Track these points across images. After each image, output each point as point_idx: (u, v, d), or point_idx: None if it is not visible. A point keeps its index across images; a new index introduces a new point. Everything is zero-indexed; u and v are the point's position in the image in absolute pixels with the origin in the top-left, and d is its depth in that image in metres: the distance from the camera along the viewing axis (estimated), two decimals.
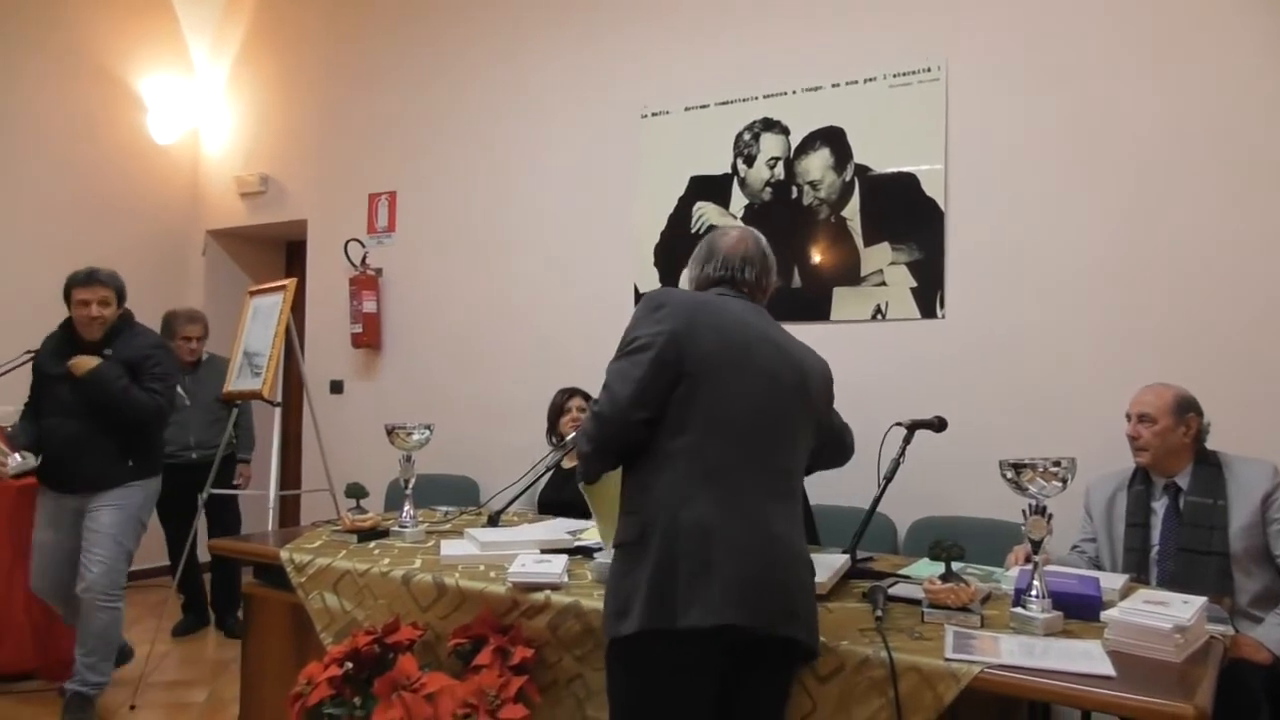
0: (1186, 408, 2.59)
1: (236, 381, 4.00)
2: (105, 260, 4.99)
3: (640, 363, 1.73)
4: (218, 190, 5.77)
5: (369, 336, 4.94)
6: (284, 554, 2.50)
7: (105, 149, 5.35)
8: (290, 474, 5.15)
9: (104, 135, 5.35)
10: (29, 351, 3.67)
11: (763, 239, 2.02)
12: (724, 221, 3.93)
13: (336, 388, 5.14)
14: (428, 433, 2.83)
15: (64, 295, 3.27)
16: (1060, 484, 1.90)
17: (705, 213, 3.99)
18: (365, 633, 2.19)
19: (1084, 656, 1.67)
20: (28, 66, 5.00)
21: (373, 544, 2.64)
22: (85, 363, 3.21)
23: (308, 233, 5.36)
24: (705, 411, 1.72)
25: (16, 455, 3.14)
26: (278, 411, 3.97)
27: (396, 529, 2.75)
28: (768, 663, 1.75)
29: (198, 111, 5.82)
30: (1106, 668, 1.61)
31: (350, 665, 2.14)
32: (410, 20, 4.99)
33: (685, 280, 2.02)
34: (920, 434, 2.65)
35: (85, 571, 3.21)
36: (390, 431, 2.80)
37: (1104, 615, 1.81)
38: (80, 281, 3.27)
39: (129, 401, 3.22)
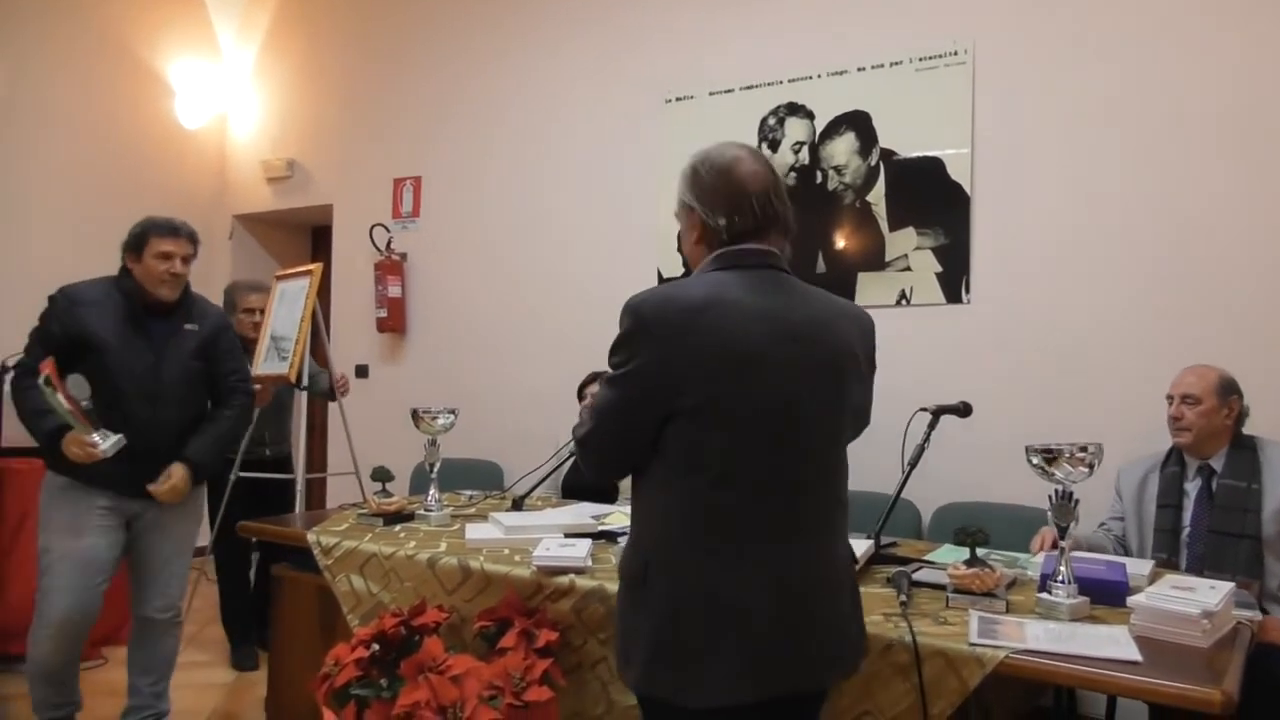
0: (1230, 390, 2.57)
1: (263, 365, 4.04)
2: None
3: (619, 397, 1.47)
4: (244, 175, 5.82)
5: (394, 321, 4.97)
6: (311, 537, 2.53)
7: (132, 133, 5.39)
8: (316, 458, 5.21)
9: (131, 120, 5.39)
10: None
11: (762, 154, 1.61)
12: None
13: (362, 372, 5.18)
14: (452, 417, 2.85)
15: (131, 244, 2.75)
16: (1087, 469, 1.88)
17: None
18: (392, 615, 2.21)
19: (1110, 642, 1.66)
20: (55, 51, 5.03)
21: (398, 527, 2.67)
22: (177, 486, 2.69)
23: (333, 218, 5.39)
24: (710, 449, 1.42)
25: (97, 435, 2.56)
26: (304, 395, 4.01)
27: (422, 512, 2.77)
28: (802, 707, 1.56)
29: (225, 96, 5.85)
30: (1133, 653, 1.60)
31: (377, 647, 2.17)
32: (435, 6, 4.98)
33: (689, 238, 1.59)
34: (945, 419, 2.63)
35: (165, 590, 2.81)
36: (415, 416, 2.82)
37: (1130, 601, 1.80)
38: (164, 230, 2.73)
39: (236, 435, 2.94)
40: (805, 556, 1.48)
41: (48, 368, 2.47)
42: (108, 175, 5.27)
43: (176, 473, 2.70)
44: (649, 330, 1.43)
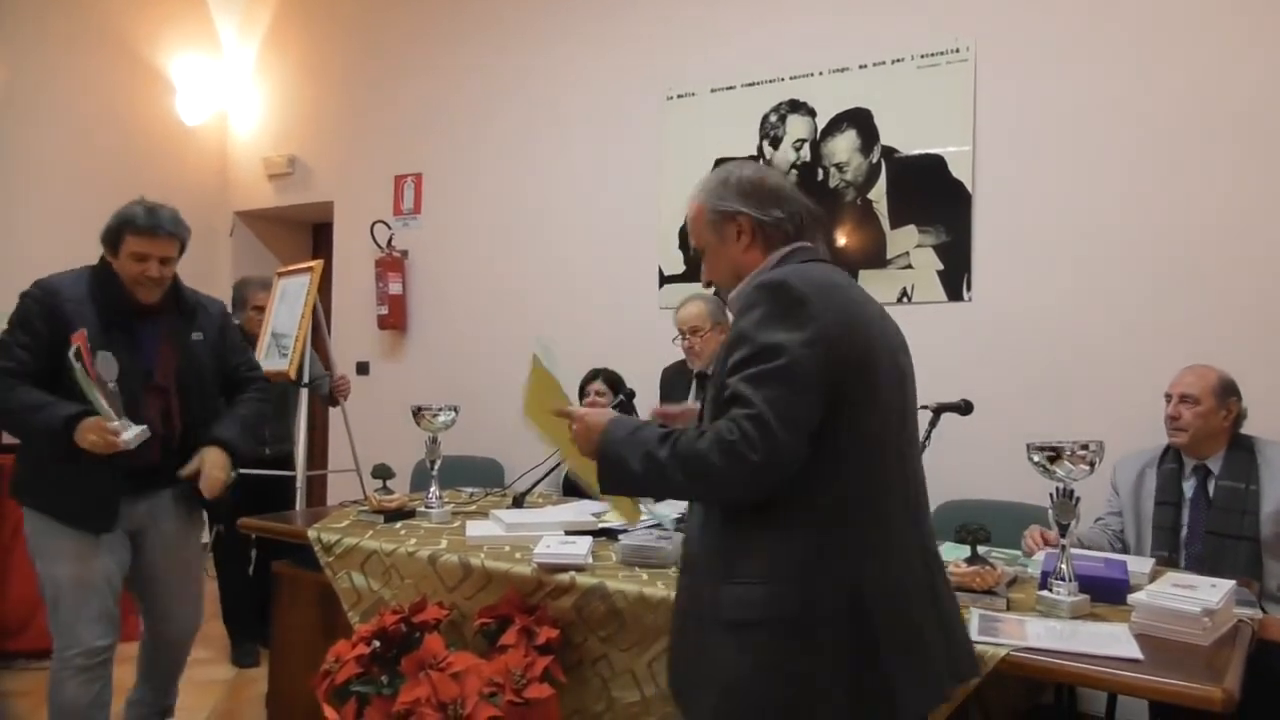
0: (1229, 391, 2.57)
1: (264, 363, 4.03)
2: None
3: (799, 389, 1.34)
4: (245, 171, 5.81)
5: (395, 318, 4.97)
6: (312, 534, 2.53)
7: (133, 130, 5.39)
8: (317, 454, 5.21)
9: (132, 116, 5.38)
10: None
11: None
12: None
13: (362, 369, 5.18)
14: (453, 414, 2.85)
15: (106, 238, 2.44)
16: (1088, 467, 1.88)
17: None
18: (392, 612, 2.21)
19: (1111, 640, 1.66)
20: (56, 47, 5.03)
21: (399, 524, 2.67)
22: (216, 477, 2.43)
23: (334, 215, 5.39)
24: (865, 440, 1.40)
25: (119, 424, 2.26)
26: (304, 392, 4.01)
27: (423, 509, 2.77)
28: None
29: (226, 92, 5.85)
30: (1134, 651, 1.60)
31: (377, 644, 2.17)
32: (437, 3, 4.98)
33: (734, 247, 1.55)
34: (946, 417, 2.63)
35: (179, 611, 2.57)
36: (416, 413, 2.82)
37: (1131, 598, 1.80)
38: (140, 227, 2.37)
39: (260, 421, 2.64)
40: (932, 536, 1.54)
41: (79, 339, 2.18)
42: (108, 172, 5.25)
43: (209, 457, 2.41)
44: (814, 297, 1.38)
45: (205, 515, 2.77)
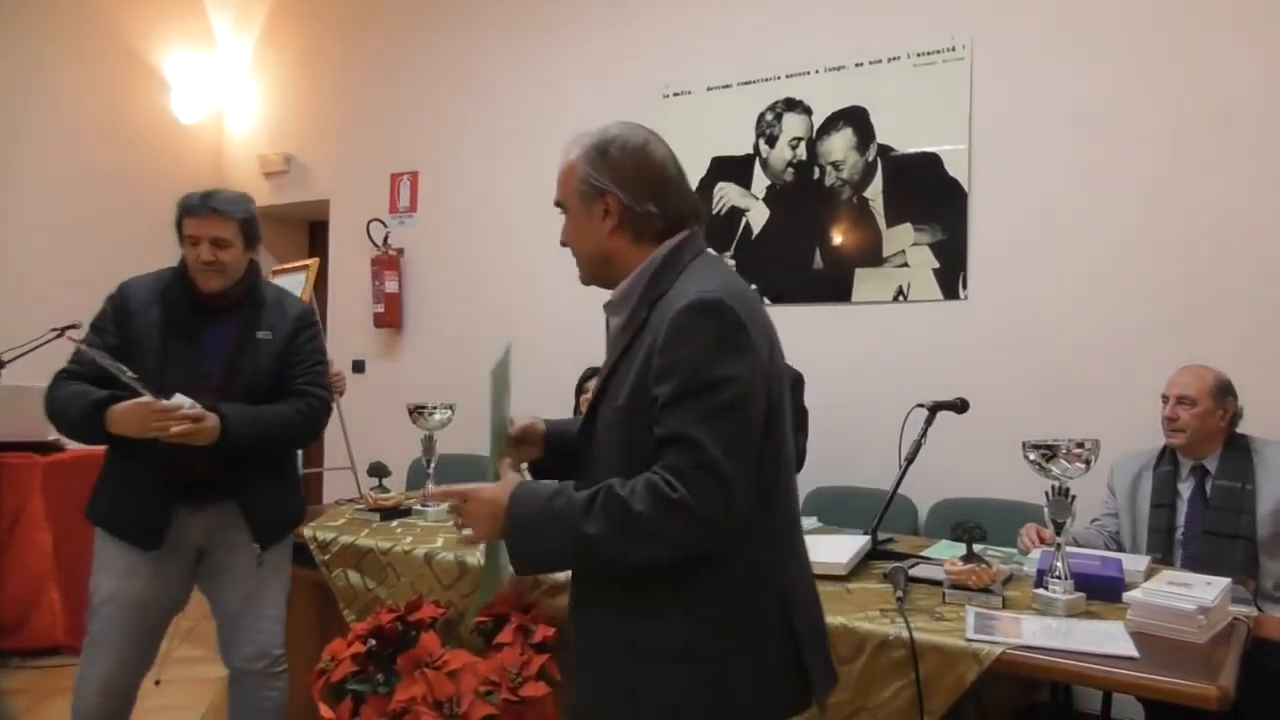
0: (1225, 391, 2.57)
1: None
2: (128, 240, 5.10)
3: (750, 425, 1.28)
4: (241, 170, 5.80)
5: (391, 316, 4.96)
6: (308, 532, 2.53)
7: (128, 128, 5.36)
8: (313, 452, 5.20)
9: (127, 114, 5.36)
10: (54, 329, 3.72)
11: None
12: (745, 202, 3.92)
13: (358, 367, 5.17)
14: (449, 413, 2.85)
15: (176, 227, 2.25)
16: (1084, 465, 1.88)
17: (726, 194, 3.96)
18: (388, 610, 2.21)
19: (1106, 637, 1.66)
20: (49, 43, 5.00)
21: (395, 523, 2.66)
22: (198, 432, 2.07)
23: (330, 213, 5.38)
24: (781, 456, 1.37)
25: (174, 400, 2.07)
26: None
27: (419, 508, 2.77)
28: None
29: (221, 90, 5.83)
30: (1129, 649, 1.60)
31: (373, 642, 2.16)
32: (433, 2, 4.97)
33: (600, 227, 1.42)
34: (942, 415, 2.63)
35: (252, 634, 2.29)
36: (412, 411, 2.81)
37: (1126, 596, 1.80)
38: (190, 207, 2.20)
39: (285, 434, 2.29)
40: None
41: (74, 337, 2.15)
42: (103, 170, 5.24)
43: (198, 424, 2.06)
44: (748, 327, 1.29)
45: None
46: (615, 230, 1.41)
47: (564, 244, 1.48)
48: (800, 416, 3.14)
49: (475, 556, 2.24)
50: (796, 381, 3.15)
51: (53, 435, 3.96)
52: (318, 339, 2.43)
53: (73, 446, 4.01)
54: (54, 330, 3.71)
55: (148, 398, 2.04)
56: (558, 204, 1.48)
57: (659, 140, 1.45)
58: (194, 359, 2.18)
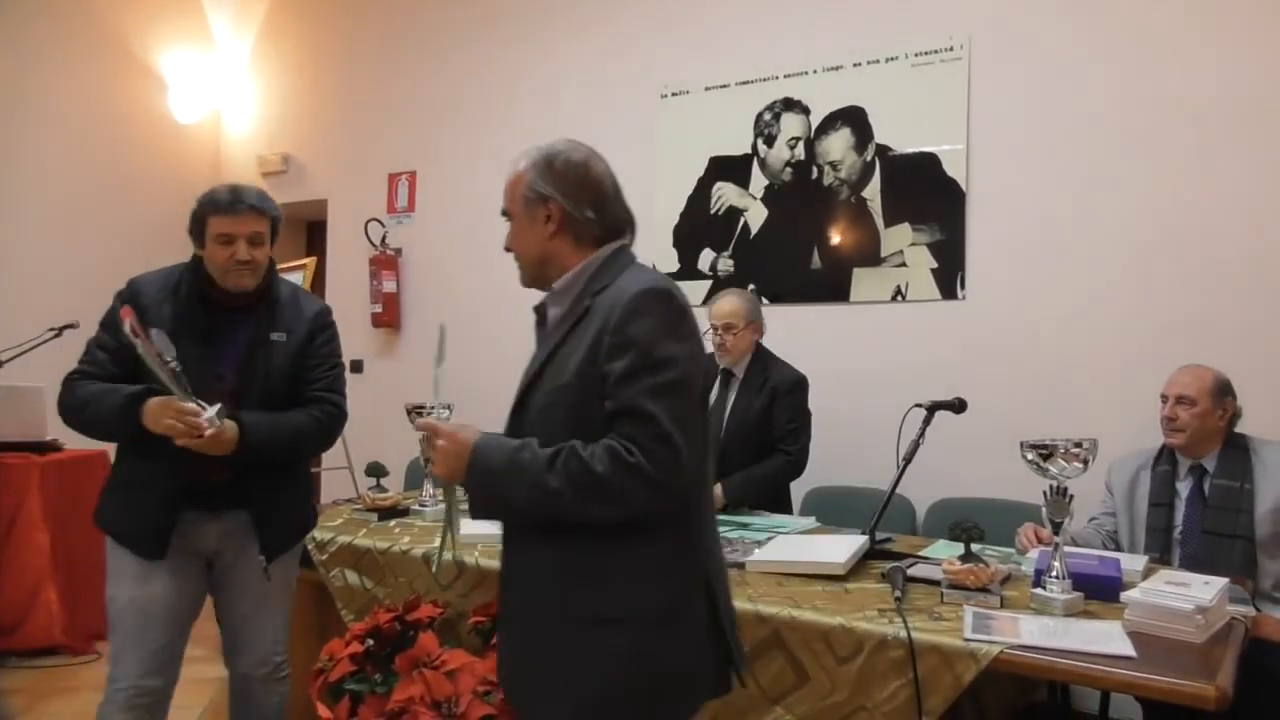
0: (1225, 390, 2.56)
1: None
2: (126, 240, 5.10)
3: (694, 402, 1.43)
4: (240, 169, 5.78)
5: (389, 316, 4.96)
6: None
7: (126, 128, 5.35)
8: None
9: (124, 113, 5.34)
10: (52, 329, 3.72)
11: None
12: (743, 202, 3.92)
13: (356, 367, 5.16)
14: (447, 413, 2.84)
15: (192, 229, 2.15)
16: (1081, 465, 1.89)
17: (725, 193, 3.96)
18: (386, 610, 2.21)
19: (1104, 637, 1.66)
20: (46, 42, 4.97)
21: (393, 522, 2.66)
22: (216, 444, 1.99)
23: (328, 212, 5.37)
24: (706, 441, 1.49)
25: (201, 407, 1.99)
26: None
27: (417, 508, 2.77)
28: None
29: (219, 90, 5.82)
30: (1127, 648, 1.60)
31: (371, 642, 2.17)
32: (431, 2, 4.97)
33: (541, 231, 1.56)
34: (940, 415, 2.63)
35: (257, 641, 2.24)
36: (410, 411, 2.81)
37: (1124, 596, 1.80)
38: (221, 205, 2.10)
39: (300, 442, 2.21)
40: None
41: (127, 314, 1.96)
42: (101, 170, 5.23)
43: (218, 430, 1.98)
44: (690, 315, 1.46)
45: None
46: (556, 233, 1.55)
47: (507, 249, 1.62)
48: (803, 419, 3.14)
49: (473, 556, 2.24)
50: (799, 384, 3.15)
51: (50, 435, 3.96)
52: (335, 340, 2.34)
53: (70, 446, 4.01)
54: (52, 330, 3.71)
55: (189, 403, 1.96)
56: (504, 213, 1.62)
57: (599, 158, 1.61)
58: (207, 361, 2.08)
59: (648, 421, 1.34)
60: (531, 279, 1.62)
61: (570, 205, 1.53)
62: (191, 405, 1.95)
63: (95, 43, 5.19)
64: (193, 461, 2.02)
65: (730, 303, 3.14)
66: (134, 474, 2.12)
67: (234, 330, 2.14)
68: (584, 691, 1.38)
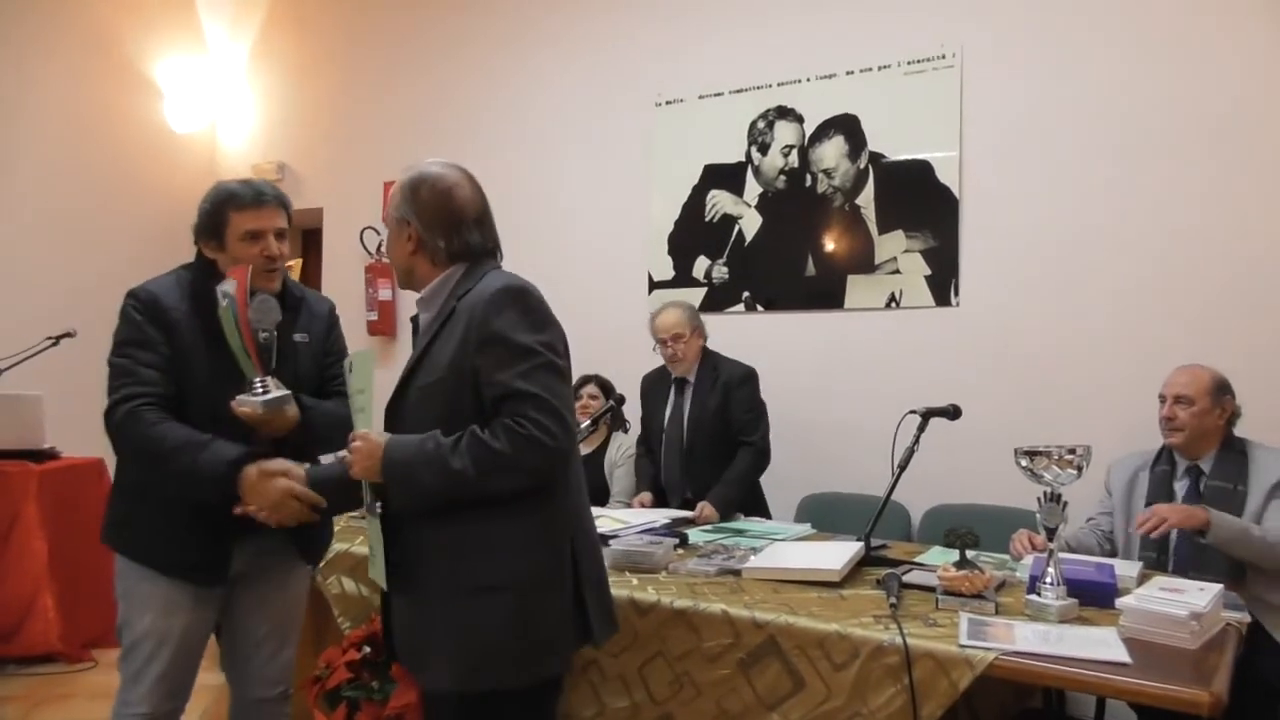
0: (1223, 389, 2.58)
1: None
2: (122, 249, 5.09)
3: (564, 380, 1.65)
4: (235, 178, 5.79)
5: (384, 324, 4.96)
6: None
7: (122, 137, 5.34)
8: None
9: (121, 122, 5.33)
10: (49, 338, 3.72)
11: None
12: (737, 210, 3.93)
13: None
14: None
15: (206, 227, 2.01)
16: (1075, 472, 1.90)
17: (719, 201, 3.98)
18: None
19: (1099, 644, 1.67)
20: (43, 51, 4.96)
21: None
22: (284, 420, 1.94)
23: (323, 221, 5.38)
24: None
25: (258, 385, 1.91)
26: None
27: None
28: None
29: (215, 98, 5.82)
30: (1122, 654, 1.61)
31: (368, 649, 2.17)
32: (428, 10, 4.98)
33: (403, 248, 1.74)
34: (934, 422, 2.64)
35: (271, 666, 2.13)
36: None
37: (1119, 602, 1.81)
38: (246, 200, 1.98)
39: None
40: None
41: (240, 273, 1.87)
42: (97, 179, 5.21)
43: (278, 411, 1.90)
44: (546, 306, 1.70)
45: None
46: (415, 252, 1.73)
47: (384, 264, 1.75)
48: (759, 408, 3.23)
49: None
50: (749, 376, 3.24)
51: (48, 443, 3.96)
52: (343, 336, 2.27)
53: (66, 454, 4.01)
54: (49, 339, 3.71)
55: (255, 385, 1.87)
56: (383, 220, 1.78)
57: (467, 185, 1.78)
58: (240, 376, 1.92)
59: (530, 398, 1.54)
60: (402, 283, 1.82)
61: (424, 231, 1.71)
62: (254, 389, 1.88)
63: (91, 51, 5.19)
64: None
65: (674, 315, 3.26)
66: (172, 498, 1.93)
67: None
68: (466, 652, 1.56)
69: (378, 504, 1.66)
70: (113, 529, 2.03)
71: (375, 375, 1.73)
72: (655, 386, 3.38)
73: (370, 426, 1.69)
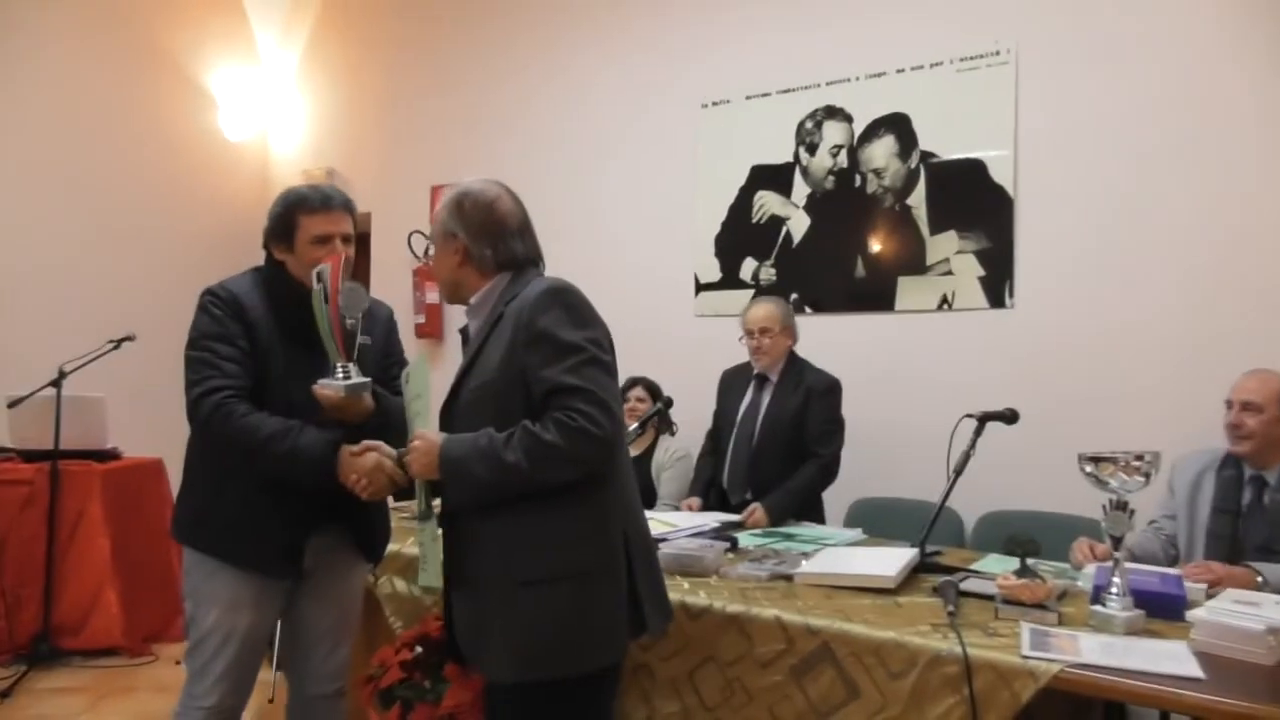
0: None
1: None
2: (178, 254, 5.20)
3: (611, 374, 1.71)
4: (286, 185, 5.86)
5: (432, 327, 5.01)
6: None
7: (178, 146, 5.47)
8: None
9: (178, 131, 5.47)
10: (111, 341, 3.81)
11: None
12: (785, 211, 3.90)
13: None
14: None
15: (277, 230, 2.07)
16: (1143, 479, 1.84)
17: (766, 202, 3.95)
18: (435, 617, 2.22)
19: (1169, 658, 1.62)
20: (100, 61, 5.11)
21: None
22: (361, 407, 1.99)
23: (372, 225, 5.45)
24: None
25: (340, 371, 1.95)
26: None
27: None
28: None
29: (267, 107, 5.94)
30: (1195, 669, 1.56)
31: (421, 649, 2.18)
32: (474, 14, 5.02)
33: (449, 261, 1.81)
34: (990, 426, 2.59)
35: (330, 661, 2.18)
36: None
37: (1190, 615, 1.76)
38: (315, 204, 2.04)
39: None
40: None
41: (334, 261, 1.94)
42: (154, 185, 5.35)
43: (351, 396, 1.95)
44: (590, 305, 1.76)
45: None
46: (462, 264, 1.80)
47: (429, 270, 1.79)
48: (838, 423, 3.14)
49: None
50: (834, 387, 3.15)
51: (110, 444, 4.06)
52: (400, 340, 2.32)
53: (128, 454, 4.11)
54: (111, 342, 3.80)
55: (337, 371, 1.92)
56: (428, 238, 1.88)
57: (508, 198, 1.84)
58: (312, 371, 1.96)
59: (578, 392, 1.60)
60: (449, 298, 1.89)
61: (471, 242, 1.78)
62: (335, 374, 1.93)
63: (147, 61, 5.32)
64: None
65: (765, 308, 3.19)
66: (248, 493, 1.99)
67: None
68: (524, 643, 1.61)
69: (432, 505, 1.73)
70: (185, 525, 2.08)
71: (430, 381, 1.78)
72: (735, 380, 3.31)
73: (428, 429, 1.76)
